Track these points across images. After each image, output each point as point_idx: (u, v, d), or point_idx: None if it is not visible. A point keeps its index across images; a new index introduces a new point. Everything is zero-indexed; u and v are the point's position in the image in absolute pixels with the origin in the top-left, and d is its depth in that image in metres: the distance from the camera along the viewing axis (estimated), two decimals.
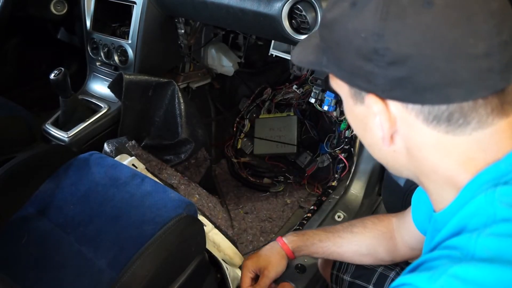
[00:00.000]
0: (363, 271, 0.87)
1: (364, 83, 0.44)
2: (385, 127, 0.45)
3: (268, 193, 1.55)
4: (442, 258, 0.41)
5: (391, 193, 1.16)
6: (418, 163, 0.47)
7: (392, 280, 0.83)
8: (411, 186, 0.74)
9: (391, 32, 0.40)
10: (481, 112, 0.41)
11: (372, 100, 0.44)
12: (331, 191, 1.34)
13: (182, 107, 1.32)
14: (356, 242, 0.85)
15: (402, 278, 0.42)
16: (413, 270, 0.45)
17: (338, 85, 0.50)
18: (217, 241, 1.06)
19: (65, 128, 1.29)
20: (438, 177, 0.46)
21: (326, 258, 0.92)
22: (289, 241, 0.91)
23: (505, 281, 0.37)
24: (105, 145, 1.22)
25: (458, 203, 0.45)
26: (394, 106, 0.44)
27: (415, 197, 0.74)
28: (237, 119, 1.73)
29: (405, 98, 0.43)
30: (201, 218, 1.06)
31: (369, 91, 0.44)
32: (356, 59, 0.43)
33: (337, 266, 0.91)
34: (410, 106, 0.43)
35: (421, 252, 0.52)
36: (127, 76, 1.28)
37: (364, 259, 0.85)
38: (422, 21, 0.39)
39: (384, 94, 0.43)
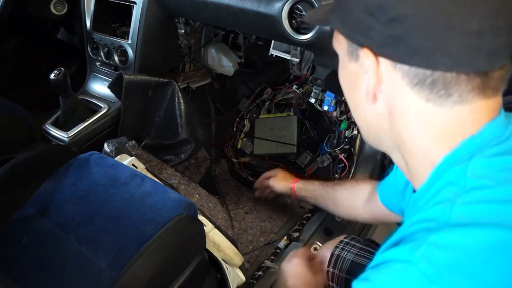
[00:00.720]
0: (356, 266, 0.88)
1: (363, 38, 0.47)
2: (371, 83, 0.48)
3: None
4: (420, 231, 0.43)
5: None
6: (398, 130, 0.49)
7: None
8: None
9: None
10: (462, 88, 0.43)
11: (365, 54, 0.47)
12: None
13: (182, 107, 1.32)
14: (338, 194, 1.05)
15: (383, 255, 0.44)
16: (392, 247, 0.46)
17: (339, 43, 0.53)
18: (217, 241, 1.06)
19: (65, 128, 1.29)
20: (416, 147, 0.48)
21: (314, 201, 1.14)
22: (298, 182, 1.21)
23: (479, 241, 0.39)
24: (105, 145, 1.22)
25: (433, 180, 0.47)
26: (384, 64, 0.46)
27: (384, 185, 0.85)
28: (237, 119, 1.72)
29: (395, 56, 0.45)
30: (201, 218, 1.06)
31: (365, 45, 0.47)
32: (361, 14, 0.46)
33: (332, 263, 0.92)
34: (398, 66, 0.45)
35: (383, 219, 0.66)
36: (127, 76, 1.28)
37: (336, 210, 1.07)
38: None
39: (378, 49, 0.46)
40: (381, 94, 0.49)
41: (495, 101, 0.46)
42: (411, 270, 0.40)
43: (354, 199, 0.99)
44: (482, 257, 0.39)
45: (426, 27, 0.42)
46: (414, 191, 0.53)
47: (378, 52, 0.46)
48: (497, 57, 0.43)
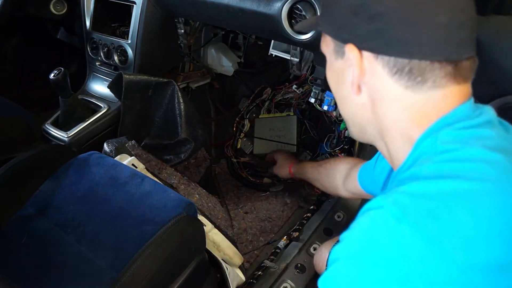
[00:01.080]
0: None
1: (348, 35, 0.53)
2: (356, 74, 0.54)
3: (268, 192, 1.55)
4: (394, 187, 0.49)
5: None
6: (381, 117, 0.55)
7: None
8: None
9: None
10: (436, 74, 0.50)
11: (350, 48, 0.53)
12: None
13: (182, 107, 1.32)
14: (321, 175, 1.16)
15: (363, 208, 0.50)
16: None
17: (326, 44, 0.60)
18: (216, 241, 1.07)
19: (65, 128, 1.29)
20: (396, 131, 0.54)
21: (310, 181, 1.27)
22: (293, 166, 1.33)
23: (441, 189, 0.45)
24: (105, 145, 1.22)
25: (411, 154, 0.53)
26: (367, 57, 0.52)
27: (363, 170, 0.93)
28: (237, 119, 1.72)
29: (377, 48, 0.51)
30: (201, 218, 1.06)
31: (349, 41, 0.53)
32: (346, 13, 0.52)
33: None
34: (380, 57, 0.51)
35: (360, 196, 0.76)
36: (127, 76, 1.28)
37: (323, 189, 1.20)
38: None
39: (361, 44, 0.52)
40: (365, 85, 0.54)
41: (465, 88, 0.52)
42: (382, 213, 0.46)
43: (334, 178, 1.09)
44: (443, 201, 0.44)
45: (403, 21, 0.48)
46: None
47: (361, 46, 0.52)
48: (463, 48, 0.50)
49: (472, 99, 0.53)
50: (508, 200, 0.44)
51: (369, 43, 0.51)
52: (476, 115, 0.51)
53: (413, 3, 0.48)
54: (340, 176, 1.06)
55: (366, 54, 0.52)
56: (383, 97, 0.53)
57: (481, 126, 0.50)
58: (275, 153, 1.49)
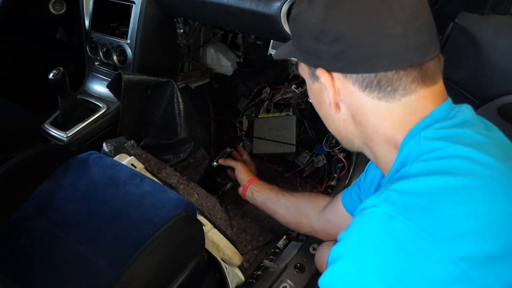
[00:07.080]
0: None
1: (315, 60, 0.56)
2: (330, 94, 0.57)
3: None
4: (386, 187, 0.51)
5: None
6: (363, 128, 0.58)
7: None
8: None
9: (333, 17, 0.52)
10: (404, 81, 0.52)
11: (320, 72, 0.56)
12: (330, 191, 1.34)
13: (181, 106, 1.32)
14: (294, 199, 1.11)
15: (360, 206, 0.52)
16: None
17: (302, 69, 0.63)
18: (216, 240, 1.07)
19: (64, 128, 1.29)
20: (380, 138, 0.57)
21: (261, 204, 1.19)
22: (253, 186, 1.23)
23: (430, 185, 0.47)
24: (104, 144, 1.22)
25: (397, 158, 0.55)
26: (337, 78, 0.55)
27: (348, 191, 0.92)
28: (236, 119, 1.72)
29: (343, 68, 0.54)
30: (200, 217, 1.06)
31: (318, 65, 0.56)
32: (310, 40, 0.56)
33: None
34: (348, 75, 0.54)
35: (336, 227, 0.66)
36: (126, 76, 1.28)
37: (284, 215, 1.12)
38: (354, 8, 0.51)
39: (330, 67, 0.55)
40: (342, 103, 0.58)
41: (436, 89, 0.54)
42: (375, 211, 0.47)
43: (309, 206, 1.07)
44: (433, 197, 0.46)
45: (360, 39, 0.51)
46: None
47: (329, 68, 0.55)
48: (425, 51, 0.52)
49: (450, 100, 0.55)
50: (494, 194, 0.47)
51: (335, 65, 0.54)
52: (452, 116, 0.54)
53: (367, 22, 0.51)
54: (316, 206, 1.04)
55: (336, 75, 0.55)
56: (360, 111, 0.56)
57: (458, 126, 0.53)
58: (236, 164, 1.36)
